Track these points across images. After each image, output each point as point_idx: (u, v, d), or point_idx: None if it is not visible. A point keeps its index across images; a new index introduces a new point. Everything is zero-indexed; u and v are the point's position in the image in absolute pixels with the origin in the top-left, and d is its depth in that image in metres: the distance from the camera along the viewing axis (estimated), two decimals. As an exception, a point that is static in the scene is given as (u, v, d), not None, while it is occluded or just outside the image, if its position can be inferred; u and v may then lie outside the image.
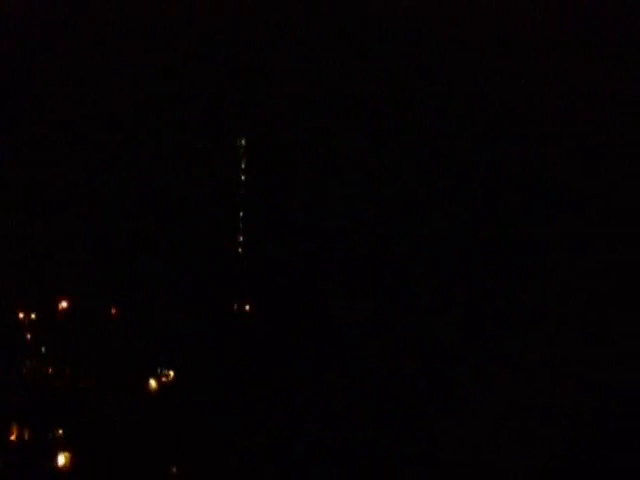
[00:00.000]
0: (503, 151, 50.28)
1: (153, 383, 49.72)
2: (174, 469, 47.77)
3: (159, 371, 49.85)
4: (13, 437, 47.55)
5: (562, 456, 44.26)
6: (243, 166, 52.02)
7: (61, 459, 47.29)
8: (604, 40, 48.23)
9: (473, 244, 49.72)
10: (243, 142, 52.18)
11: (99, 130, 51.24)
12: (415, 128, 50.71)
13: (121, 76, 51.34)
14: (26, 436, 47.55)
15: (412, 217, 50.26)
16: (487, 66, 50.46)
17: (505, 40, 49.55)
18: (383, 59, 51.19)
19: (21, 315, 49.96)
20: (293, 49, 51.87)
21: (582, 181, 48.92)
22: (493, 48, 49.86)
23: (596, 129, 48.74)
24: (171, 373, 49.92)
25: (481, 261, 49.70)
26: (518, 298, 48.91)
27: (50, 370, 49.39)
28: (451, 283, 49.36)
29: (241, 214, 52.03)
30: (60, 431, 47.80)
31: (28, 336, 49.91)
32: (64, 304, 50.39)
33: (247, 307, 51.48)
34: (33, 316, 50.12)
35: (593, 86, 48.34)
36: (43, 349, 49.74)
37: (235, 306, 51.42)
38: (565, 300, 48.06)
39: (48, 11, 51.21)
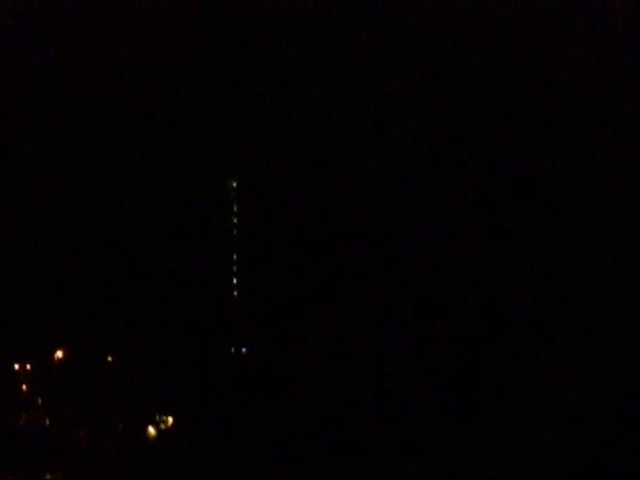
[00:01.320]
0: (506, 152, 50.28)
1: (152, 430, 49.34)
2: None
3: (157, 418, 49.49)
4: (10, 489, 47.09)
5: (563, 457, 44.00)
6: (235, 209, 51.96)
7: (60, 511, 46.84)
8: (604, 40, 48.47)
9: (480, 251, 49.56)
10: (234, 184, 52.16)
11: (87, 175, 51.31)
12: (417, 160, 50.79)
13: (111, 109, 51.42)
14: (23, 488, 47.09)
15: (411, 248, 50.14)
16: (489, 66, 50.56)
17: (507, 40, 49.70)
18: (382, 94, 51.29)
19: (17, 366, 49.64)
20: (286, 88, 52.05)
21: (583, 181, 48.95)
22: (495, 49, 50.01)
23: (597, 129, 48.81)
24: (169, 419, 49.54)
25: (484, 264, 49.55)
26: (520, 299, 48.72)
27: (47, 421, 49.00)
28: (460, 299, 49.16)
29: (234, 257, 51.86)
30: (56, 481, 47.40)
31: (24, 387, 49.55)
32: (60, 354, 50.07)
33: (243, 350, 51.14)
34: (29, 367, 49.80)
35: (593, 86, 48.52)
36: (39, 400, 49.40)
37: (232, 350, 51.07)
38: (566, 301, 47.91)
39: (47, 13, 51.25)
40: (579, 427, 44.47)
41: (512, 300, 48.38)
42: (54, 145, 51.63)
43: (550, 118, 49.72)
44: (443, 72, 50.16)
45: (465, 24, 49.40)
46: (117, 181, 51.59)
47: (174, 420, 49.70)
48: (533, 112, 49.88)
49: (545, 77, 49.38)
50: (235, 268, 51.94)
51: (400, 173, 50.10)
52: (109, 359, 50.41)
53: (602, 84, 47.91)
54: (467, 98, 50.25)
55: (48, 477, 47.40)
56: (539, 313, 48.07)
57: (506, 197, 49.59)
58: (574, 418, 44.83)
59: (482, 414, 46.18)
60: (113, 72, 51.62)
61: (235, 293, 51.92)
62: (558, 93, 49.13)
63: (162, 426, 49.65)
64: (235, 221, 52.10)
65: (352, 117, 50.49)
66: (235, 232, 52.00)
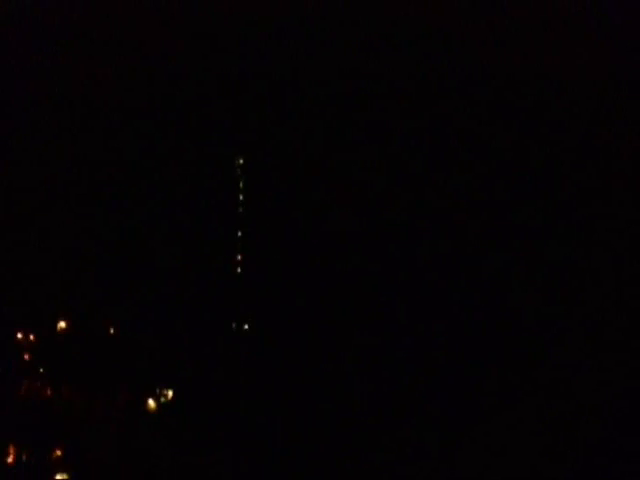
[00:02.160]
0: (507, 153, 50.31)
1: (152, 403, 49.52)
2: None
3: (158, 391, 49.67)
4: (11, 459, 47.31)
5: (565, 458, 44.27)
6: (241, 185, 51.97)
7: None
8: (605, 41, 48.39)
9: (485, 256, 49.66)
10: (241, 161, 52.15)
11: (95, 150, 51.31)
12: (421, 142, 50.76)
13: (116, 92, 51.42)
14: (24, 457, 47.32)
15: (418, 234, 50.22)
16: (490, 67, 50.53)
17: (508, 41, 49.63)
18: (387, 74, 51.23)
19: (19, 335, 49.79)
20: (292, 67, 51.96)
21: (582, 181, 48.98)
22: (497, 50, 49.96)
23: (598, 130, 48.80)
24: (170, 393, 49.73)
25: (486, 266, 49.66)
26: (522, 301, 48.85)
27: (48, 391, 49.19)
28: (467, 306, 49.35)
29: (239, 233, 51.91)
30: (58, 452, 47.59)
31: (26, 357, 49.73)
32: (62, 324, 50.22)
33: (246, 326, 51.26)
34: (31, 336, 49.95)
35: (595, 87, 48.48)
36: (41, 369, 49.58)
37: (234, 325, 51.20)
38: (568, 303, 48.02)
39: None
40: (581, 430, 44.69)
41: (514, 302, 48.65)
42: (65, 123, 51.82)
43: (550, 118, 49.83)
44: (449, 69, 50.44)
45: (466, 24, 49.53)
46: (121, 158, 51.68)
47: (174, 394, 49.86)
48: (533, 113, 50.01)
49: (545, 77, 49.52)
50: (239, 244, 52.04)
51: (410, 154, 50.34)
52: (111, 331, 50.53)
53: (603, 84, 47.99)
54: (469, 98, 50.43)
55: (49, 447, 47.62)
56: (541, 315, 48.32)
57: (505, 198, 49.82)
58: (576, 421, 45.04)
59: (483, 417, 46.34)
60: (119, 54, 51.77)
61: (238, 269, 52.05)
62: (558, 93, 49.25)
63: (162, 399, 49.80)
64: (241, 198, 52.13)
65: (364, 98, 50.60)
66: (240, 208, 52.07)
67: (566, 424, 45.04)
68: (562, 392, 45.99)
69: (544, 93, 49.61)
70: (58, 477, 47.07)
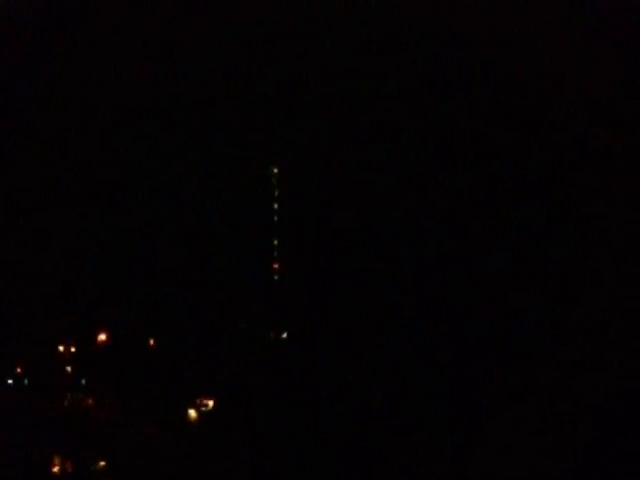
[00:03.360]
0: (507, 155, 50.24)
1: (193, 413, 50.03)
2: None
3: (198, 401, 50.17)
4: (56, 469, 48.13)
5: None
6: (276, 194, 52.39)
7: (102, 490, 47.82)
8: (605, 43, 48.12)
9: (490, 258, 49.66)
10: (276, 170, 52.58)
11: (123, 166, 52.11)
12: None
13: (147, 101, 52.13)
14: (68, 468, 48.11)
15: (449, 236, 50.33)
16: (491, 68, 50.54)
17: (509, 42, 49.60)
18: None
19: (61, 348, 50.63)
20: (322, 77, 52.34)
21: (583, 184, 48.72)
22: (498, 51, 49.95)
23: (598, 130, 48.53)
24: (210, 403, 50.20)
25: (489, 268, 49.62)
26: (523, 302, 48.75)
27: (90, 402, 49.97)
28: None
29: (275, 242, 52.32)
30: (102, 463, 48.29)
31: (68, 369, 50.55)
32: (103, 336, 50.98)
33: (284, 335, 51.63)
34: (73, 349, 50.76)
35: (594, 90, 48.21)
36: (83, 381, 50.38)
37: (271, 334, 51.60)
38: (568, 303, 47.83)
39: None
40: (581, 430, 44.47)
41: (517, 302, 48.63)
42: (91, 121, 52.64)
43: (549, 119, 49.70)
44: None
45: (467, 25, 49.61)
46: (159, 165, 52.35)
47: (214, 403, 50.32)
48: (533, 114, 49.90)
49: (545, 77, 49.39)
50: (276, 253, 52.43)
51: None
52: (151, 342, 51.17)
53: (603, 84, 47.71)
54: (472, 98, 50.47)
55: (93, 457, 48.36)
56: (542, 316, 48.22)
57: (506, 198, 49.82)
58: (576, 422, 44.82)
59: (487, 418, 46.28)
60: (154, 56, 52.53)
61: (276, 278, 52.44)
62: (558, 94, 49.09)
63: (203, 409, 50.28)
64: (276, 206, 52.53)
65: (391, 106, 50.89)
66: (276, 218, 52.46)
67: (566, 425, 44.85)
68: (563, 392, 45.82)
69: (544, 94, 49.55)
70: (101, 487, 47.78)
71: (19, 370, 50.49)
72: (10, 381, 50.48)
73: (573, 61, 48.49)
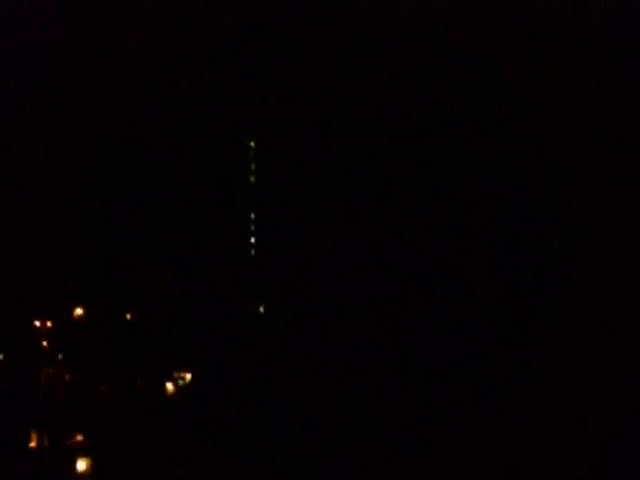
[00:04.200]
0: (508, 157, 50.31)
1: (170, 386, 49.94)
2: (194, 472, 48.06)
3: (176, 374, 50.08)
4: (33, 444, 47.93)
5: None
6: (253, 167, 52.15)
7: (81, 465, 47.64)
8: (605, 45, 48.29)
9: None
10: (252, 144, 52.31)
11: (106, 134, 51.61)
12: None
13: (127, 77, 51.67)
14: (45, 443, 47.92)
15: (429, 220, 50.25)
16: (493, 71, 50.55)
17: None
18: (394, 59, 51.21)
19: (37, 323, 50.32)
20: (303, 51, 51.95)
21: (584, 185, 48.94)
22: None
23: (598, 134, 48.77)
24: (187, 376, 50.12)
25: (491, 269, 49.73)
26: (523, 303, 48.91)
27: (67, 377, 49.74)
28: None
29: (252, 216, 52.12)
30: (79, 437, 48.14)
31: (44, 343, 50.27)
32: (79, 311, 50.70)
33: (261, 308, 51.53)
34: (49, 324, 50.46)
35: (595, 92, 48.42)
36: (60, 356, 50.12)
37: (249, 307, 51.50)
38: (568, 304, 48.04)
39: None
40: (582, 430, 44.71)
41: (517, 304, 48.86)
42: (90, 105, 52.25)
43: (549, 119, 49.82)
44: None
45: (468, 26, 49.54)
46: (140, 139, 51.99)
47: (192, 377, 50.25)
48: (532, 115, 50.01)
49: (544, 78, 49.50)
50: (253, 227, 52.25)
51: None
52: (128, 316, 50.96)
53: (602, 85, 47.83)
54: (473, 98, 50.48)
55: (70, 432, 48.20)
56: (540, 317, 48.43)
57: (502, 201, 49.93)
58: (577, 422, 45.07)
59: (486, 420, 46.46)
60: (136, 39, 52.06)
61: (252, 252, 52.28)
62: (556, 94, 49.21)
63: (180, 382, 50.20)
64: (253, 180, 52.31)
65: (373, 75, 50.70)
66: (253, 192, 52.26)
67: (566, 425, 45.12)
68: (562, 392, 46.10)
69: (544, 95, 49.73)
70: (79, 461, 47.61)
71: (-6, 345, 50.20)
72: (-15, 357, 50.18)
73: (573, 62, 48.62)
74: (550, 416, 45.75)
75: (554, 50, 48.74)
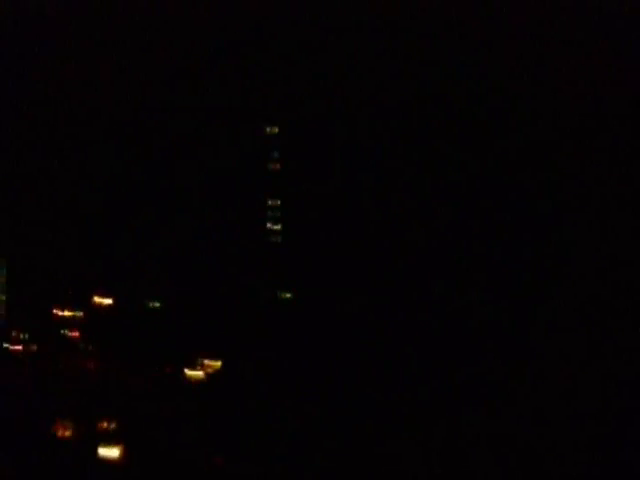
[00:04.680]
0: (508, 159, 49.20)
1: (197, 374, 50.12)
2: (219, 460, 48.03)
3: (202, 362, 50.22)
4: (59, 432, 48.76)
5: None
6: (276, 155, 51.98)
7: (106, 452, 48.17)
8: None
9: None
10: (276, 130, 52.12)
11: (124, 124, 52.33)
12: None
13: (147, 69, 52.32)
14: (70, 431, 48.67)
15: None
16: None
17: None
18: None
19: (62, 312, 51.21)
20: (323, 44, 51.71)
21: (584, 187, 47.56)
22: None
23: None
24: (215, 364, 50.20)
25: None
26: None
27: (92, 365, 50.47)
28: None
29: (278, 202, 51.92)
30: (104, 425, 48.72)
31: (69, 333, 51.12)
32: (105, 300, 51.39)
33: (287, 295, 51.27)
34: (75, 313, 51.30)
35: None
36: (82, 345, 50.91)
37: (275, 294, 51.30)
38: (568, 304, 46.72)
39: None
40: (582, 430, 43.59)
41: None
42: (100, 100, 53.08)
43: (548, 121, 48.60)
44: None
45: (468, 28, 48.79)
46: (158, 130, 52.48)
47: (220, 365, 50.31)
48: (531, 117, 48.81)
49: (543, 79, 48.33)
50: (279, 213, 52.02)
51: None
52: (153, 305, 51.39)
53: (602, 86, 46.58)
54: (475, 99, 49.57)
55: (93, 420, 48.84)
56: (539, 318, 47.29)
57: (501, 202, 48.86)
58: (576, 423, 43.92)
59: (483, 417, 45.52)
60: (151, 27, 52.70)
61: (279, 239, 52.04)
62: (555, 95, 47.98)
63: (208, 370, 50.34)
64: (278, 167, 52.11)
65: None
66: (278, 179, 52.07)
67: (565, 424, 44.00)
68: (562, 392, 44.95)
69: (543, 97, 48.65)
70: (104, 449, 48.14)
71: (22, 335, 51.26)
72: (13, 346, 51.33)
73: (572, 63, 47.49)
74: (548, 414, 44.73)
75: (554, 50, 47.72)
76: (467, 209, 49.09)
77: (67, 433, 48.76)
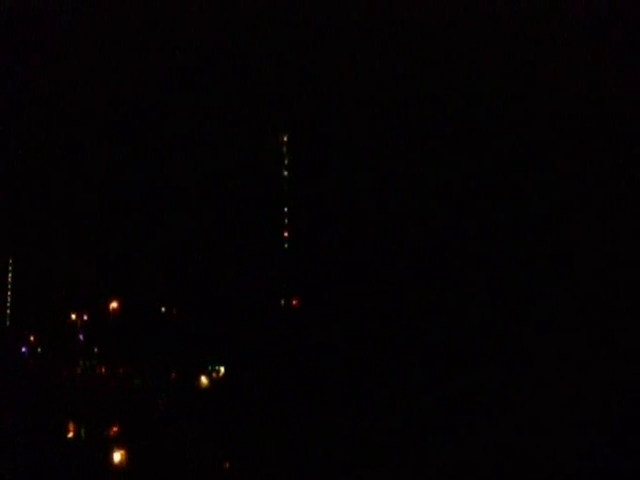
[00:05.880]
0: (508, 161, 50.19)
1: (204, 379, 50.44)
2: (227, 465, 48.41)
3: (210, 368, 50.57)
4: (70, 435, 48.70)
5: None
6: (286, 162, 52.40)
7: (116, 456, 48.25)
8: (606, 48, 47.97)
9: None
10: (285, 138, 52.54)
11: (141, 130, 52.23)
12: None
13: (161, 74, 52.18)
14: (82, 434, 48.68)
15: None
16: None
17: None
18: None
19: (73, 316, 51.12)
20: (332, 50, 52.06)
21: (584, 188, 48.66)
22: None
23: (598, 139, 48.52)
24: (221, 369, 50.59)
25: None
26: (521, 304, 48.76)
27: (103, 369, 50.50)
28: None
29: (285, 210, 52.39)
30: (115, 428, 48.81)
31: (81, 337, 51.05)
32: (115, 305, 51.40)
33: (294, 302, 51.83)
34: (85, 317, 51.25)
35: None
36: (96, 349, 50.90)
37: (282, 302, 51.81)
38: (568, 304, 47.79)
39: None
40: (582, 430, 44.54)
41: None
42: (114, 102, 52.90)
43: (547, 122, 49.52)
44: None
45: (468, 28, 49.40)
46: (170, 138, 52.53)
47: (226, 370, 50.67)
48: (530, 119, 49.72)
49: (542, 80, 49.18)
50: (286, 221, 52.51)
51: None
52: (163, 310, 51.56)
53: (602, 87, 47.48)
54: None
55: (104, 423, 48.87)
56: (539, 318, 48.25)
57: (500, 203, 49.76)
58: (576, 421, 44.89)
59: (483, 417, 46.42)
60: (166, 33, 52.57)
61: (286, 246, 52.57)
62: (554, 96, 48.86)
63: (214, 375, 50.68)
64: (286, 174, 52.57)
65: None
66: (286, 185, 52.51)
67: (565, 424, 44.93)
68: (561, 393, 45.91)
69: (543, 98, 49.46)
70: (115, 452, 48.21)
71: (33, 338, 51.06)
72: (24, 349, 51.07)
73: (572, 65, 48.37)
74: (548, 417, 45.63)
75: (553, 50, 48.59)
76: (479, 218, 49.82)
77: (74, 436, 48.73)
